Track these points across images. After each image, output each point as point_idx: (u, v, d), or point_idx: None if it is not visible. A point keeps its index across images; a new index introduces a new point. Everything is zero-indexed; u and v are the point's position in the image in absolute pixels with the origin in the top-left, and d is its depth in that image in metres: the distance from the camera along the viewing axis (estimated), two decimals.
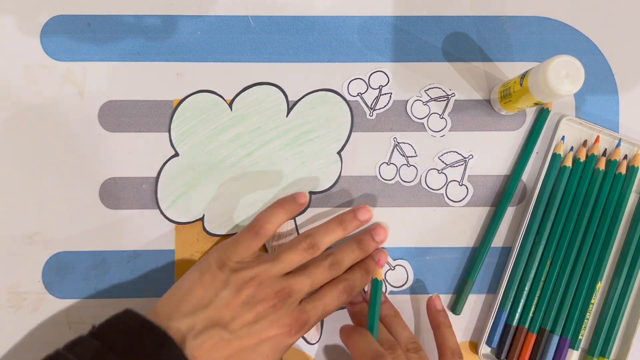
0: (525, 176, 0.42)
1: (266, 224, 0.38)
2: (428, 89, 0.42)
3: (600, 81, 0.43)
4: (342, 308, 0.41)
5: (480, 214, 0.42)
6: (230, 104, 0.42)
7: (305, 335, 0.41)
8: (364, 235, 0.40)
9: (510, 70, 0.43)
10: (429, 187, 0.42)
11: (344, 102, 0.42)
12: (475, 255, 0.41)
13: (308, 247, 0.37)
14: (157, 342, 0.32)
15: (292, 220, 0.42)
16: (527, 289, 0.41)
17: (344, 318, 0.41)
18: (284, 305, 0.35)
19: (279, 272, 0.36)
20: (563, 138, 0.42)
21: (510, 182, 0.41)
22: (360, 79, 0.42)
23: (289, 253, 0.37)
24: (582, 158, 0.41)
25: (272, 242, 0.42)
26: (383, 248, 0.42)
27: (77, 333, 0.41)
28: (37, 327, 0.41)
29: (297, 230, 0.42)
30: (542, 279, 0.41)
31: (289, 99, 0.42)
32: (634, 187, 0.41)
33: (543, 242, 0.41)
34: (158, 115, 0.42)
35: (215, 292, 0.35)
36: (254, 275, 0.35)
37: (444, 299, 0.42)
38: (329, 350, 0.41)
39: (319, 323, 0.41)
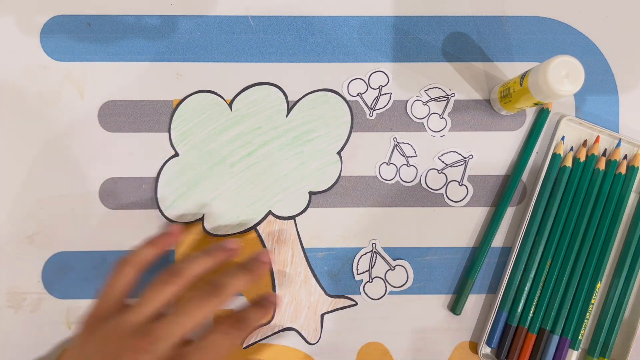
0: (525, 176, 0.42)
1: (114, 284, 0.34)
2: (428, 89, 0.42)
3: (600, 81, 0.43)
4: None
5: (480, 214, 0.42)
6: (230, 104, 0.42)
7: (305, 335, 0.41)
8: (248, 258, 0.38)
9: (510, 70, 0.43)
10: (428, 187, 0.42)
11: (344, 102, 0.42)
12: (475, 255, 0.41)
13: (169, 277, 0.34)
14: None
15: (293, 220, 0.42)
16: (527, 289, 0.40)
17: (344, 318, 0.41)
18: (151, 355, 0.30)
19: (141, 318, 0.32)
20: (563, 138, 0.42)
21: (510, 182, 0.41)
22: (360, 79, 0.42)
23: (148, 291, 0.33)
24: (582, 158, 0.41)
25: (273, 243, 0.42)
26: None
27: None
28: (37, 327, 0.41)
29: (298, 233, 0.42)
30: (542, 279, 0.41)
31: (289, 99, 0.42)
32: (634, 187, 0.41)
33: (543, 242, 0.41)
34: (158, 115, 0.42)
35: (85, 356, 0.32)
36: (115, 327, 0.32)
37: (444, 299, 0.42)
38: (329, 350, 0.41)
39: (319, 323, 0.41)
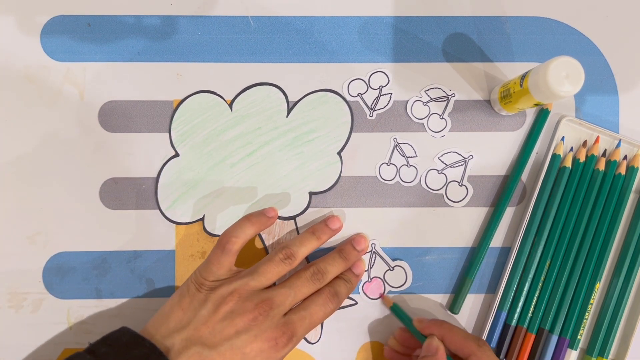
0: (524, 176, 0.42)
1: (232, 238, 0.37)
2: (428, 89, 0.42)
3: (600, 82, 0.43)
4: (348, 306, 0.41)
5: (480, 214, 0.42)
6: (230, 105, 0.42)
7: (306, 335, 0.41)
8: (345, 244, 0.40)
9: (510, 70, 0.43)
10: (428, 187, 0.42)
11: (344, 103, 0.42)
12: (474, 254, 0.41)
13: (285, 258, 0.37)
14: (145, 353, 0.32)
15: (293, 220, 0.42)
16: (526, 288, 0.41)
17: (344, 317, 0.41)
18: (267, 318, 0.34)
19: (259, 286, 0.36)
20: (563, 138, 0.42)
21: (510, 182, 0.41)
22: (360, 79, 0.42)
23: (267, 265, 0.36)
24: (582, 158, 0.41)
25: (274, 243, 0.42)
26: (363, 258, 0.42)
27: (77, 333, 0.41)
28: (37, 327, 0.41)
29: (298, 231, 0.42)
30: (541, 278, 0.41)
31: (289, 99, 0.42)
32: (634, 188, 0.41)
33: (542, 242, 0.41)
34: (158, 115, 0.42)
35: (194, 313, 0.35)
36: (232, 291, 0.35)
37: (443, 299, 0.42)
38: (329, 349, 0.42)
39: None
